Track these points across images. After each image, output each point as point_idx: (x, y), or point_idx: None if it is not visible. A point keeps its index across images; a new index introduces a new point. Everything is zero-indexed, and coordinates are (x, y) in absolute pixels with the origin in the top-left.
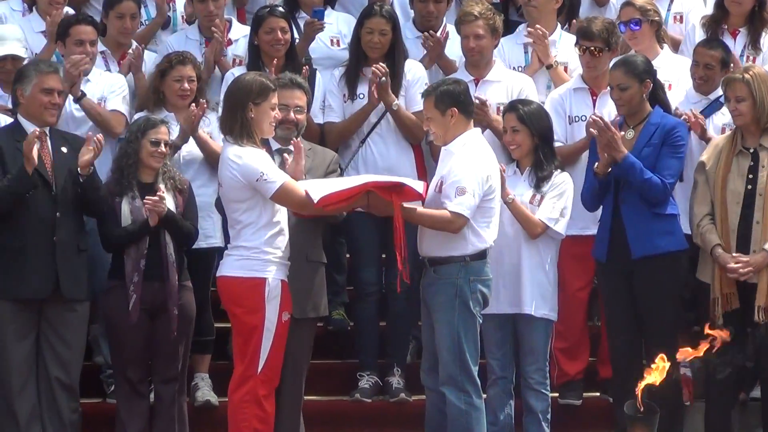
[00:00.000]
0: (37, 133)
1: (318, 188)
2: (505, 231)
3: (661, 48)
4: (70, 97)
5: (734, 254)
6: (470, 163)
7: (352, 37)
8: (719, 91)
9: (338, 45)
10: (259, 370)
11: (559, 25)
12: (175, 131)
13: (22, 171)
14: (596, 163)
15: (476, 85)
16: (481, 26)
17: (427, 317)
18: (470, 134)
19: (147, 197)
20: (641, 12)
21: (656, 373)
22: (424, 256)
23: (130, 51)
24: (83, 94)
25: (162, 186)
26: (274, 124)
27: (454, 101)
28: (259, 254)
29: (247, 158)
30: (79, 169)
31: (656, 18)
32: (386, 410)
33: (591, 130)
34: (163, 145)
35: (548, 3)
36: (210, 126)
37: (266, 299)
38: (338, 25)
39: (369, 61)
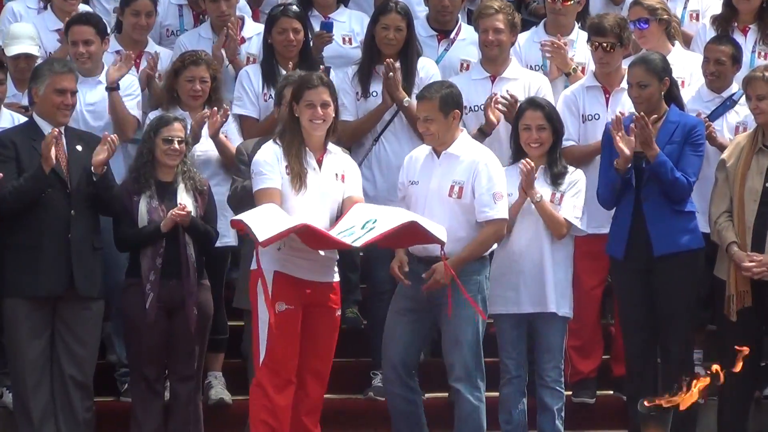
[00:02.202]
0: (56, 133)
1: (273, 227)
2: (526, 230)
3: (672, 45)
4: (82, 100)
5: (749, 253)
6: (493, 167)
7: (365, 35)
8: (732, 89)
9: (350, 43)
10: (261, 360)
11: (576, 25)
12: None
13: (38, 171)
14: (616, 160)
15: (492, 82)
16: (501, 20)
17: (412, 314)
18: (465, 136)
19: (173, 211)
20: (649, 11)
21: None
22: (447, 254)
23: (147, 52)
24: (117, 86)
25: (181, 186)
26: (314, 121)
27: (456, 104)
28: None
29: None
30: (92, 168)
31: (665, 17)
32: None
33: (631, 126)
34: (176, 142)
35: (575, 8)
36: (225, 126)
37: (258, 291)
38: (351, 23)
39: (382, 58)
